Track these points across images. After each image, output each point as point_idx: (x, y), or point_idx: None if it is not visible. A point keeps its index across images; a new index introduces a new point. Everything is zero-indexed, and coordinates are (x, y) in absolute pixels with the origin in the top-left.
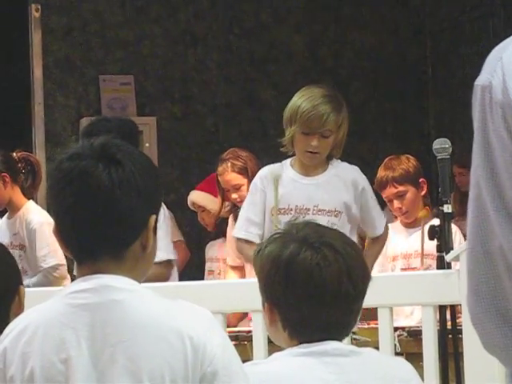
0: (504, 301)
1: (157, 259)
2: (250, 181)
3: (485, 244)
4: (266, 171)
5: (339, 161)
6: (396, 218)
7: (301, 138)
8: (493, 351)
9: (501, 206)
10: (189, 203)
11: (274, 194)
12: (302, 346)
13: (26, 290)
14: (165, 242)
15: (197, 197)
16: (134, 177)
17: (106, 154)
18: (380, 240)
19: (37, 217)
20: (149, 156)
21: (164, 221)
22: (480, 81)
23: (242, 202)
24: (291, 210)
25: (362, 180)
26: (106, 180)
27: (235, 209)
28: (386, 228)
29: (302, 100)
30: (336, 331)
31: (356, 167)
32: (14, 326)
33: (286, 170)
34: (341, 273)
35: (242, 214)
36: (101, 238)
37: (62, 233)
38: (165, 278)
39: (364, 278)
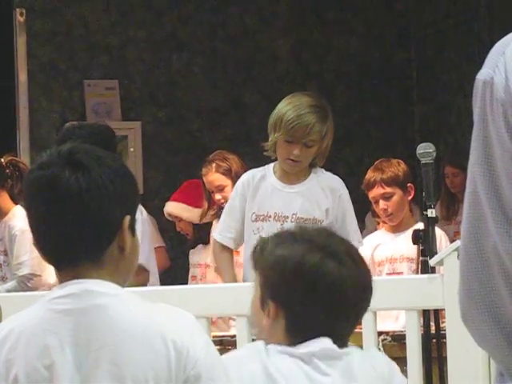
0: (496, 299)
1: None
2: (233, 182)
3: (479, 242)
4: (247, 176)
5: (323, 170)
6: (379, 224)
7: (283, 145)
8: (485, 348)
9: (497, 205)
10: (165, 214)
11: None
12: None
13: (6, 295)
14: (143, 251)
15: (172, 208)
16: (102, 180)
17: (72, 159)
18: None
19: (20, 223)
20: (121, 159)
21: (142, 226)
22: (481, 75)
23: (225, 203)
24: (270, 216)
25: (342, 189)
26: (73, 185)
27: (220, 212)
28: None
29: (288, 108)
30: (337, 341)
31: (339, 178)
32: None
33: (268, 175)
34: (358, 287)
35: (222, 216)
36: (76, 243)
37: (38, 242)
38: (141, 284)
39: (370, 292)
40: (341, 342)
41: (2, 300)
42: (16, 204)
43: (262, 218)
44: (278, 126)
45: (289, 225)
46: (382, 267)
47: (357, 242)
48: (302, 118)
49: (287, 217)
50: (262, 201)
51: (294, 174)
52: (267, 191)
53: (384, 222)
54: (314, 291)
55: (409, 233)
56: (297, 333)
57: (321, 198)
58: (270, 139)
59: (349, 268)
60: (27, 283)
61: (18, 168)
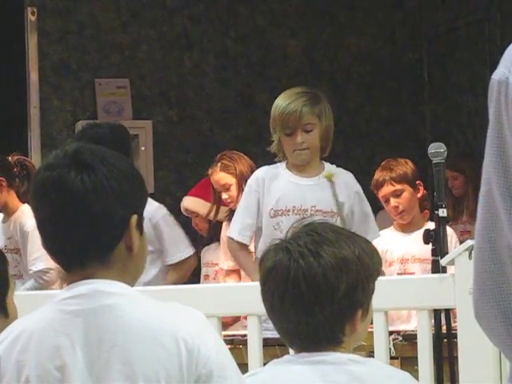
0: (509, 298)
1: (181, 258)
2: (238, 180)
3: (493, 242)
4: (260, 172)
5: (334, 166)
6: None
7: (286, 140)
8: (497, 345)
9: (511, 206)
10: (182, 209)
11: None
12: (301, 355)
13: (19, 294)
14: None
15: (189, 203)
16: (107, 180)
17: (78, 160)
18: None
19: (30, 220)
20: (127, 158)
21: (173, 221)
22: (497, 75)
23: (232, 202)
24: (289, 210)
25: (356, 184)
26: (78, 186)
27: (231, 213)
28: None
29: (277, 102)
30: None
31: (350, 173)
32: (7, 335)
33: (282, 171)
34: (297, 278)
35: (237, 214)
36: (83, 243)
37: (46, 243)
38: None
39: (323, 286)
40: (311, 341)
41: (17, 299)
42: (23, 203)
43: (280, 212)
44: (274, 124)
45: (308, 217)
46: (393, 267)
47: (376, 232)
48: (289, 105)
49: (306, 209)
50: (279, 196)
51: (307, 168)
52: (283, 186)
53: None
54: (264, 285)
55: (420, 233)
56: (282, 337)
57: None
58: (274, 141)
59: (306, 262)
60: (43, 277)
61: (26, 167)
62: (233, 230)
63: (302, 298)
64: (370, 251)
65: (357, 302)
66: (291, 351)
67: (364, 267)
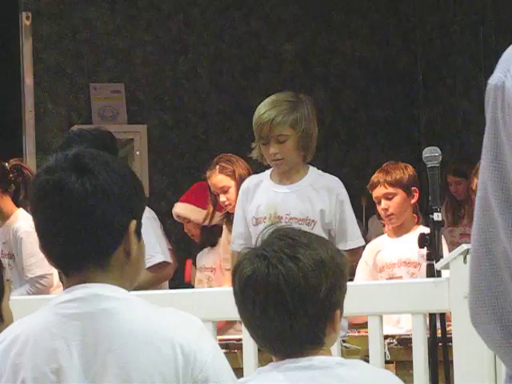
0: (504, 303)
1: (155, 262)
2: (237, 184)
3: (488, 246)
4: (246, 182)
5: (321, 171)
6: (384, 226)
7: (263, 148)
8: (493, 350)
9: (507, 210)
10: (174, 215)
11: None
12: (287, 361)
13: (15, 298)
14: (160, 245)
15: (180, 209)
16: (107, 184)
17: (79, 164)
18: (350, 255)
19: (24, 225)
20: (127, 164)
21: (156, 228)
22: (493, 79)
23: (230, 204)
24: (265, 218)
25: (339, 189)
26: (79, 190)
27: (228, 215)
28: (360, 248)
29: (257, 110)
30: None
31: (337, 178)
32: (4, 337)
33: (264, 179)
34: (277, 285)
35: (233, 226)
36: (82, 247)
37: (45, 246)
38: (165, 278)
39: (301, 294)
40: (294, 344)
41: (13, 303)
42: (18, 207)
43: (259, 220)
44: (254, 133)
45: (275, 224)
46: (382, 273)
47: (355, 239)
48: (264, 115)
49: (281, 217)
50: (259, 204)
51: (288, 175)
52: (263, 194)
53: (385, 224)
54: (242, 294)
55: (408, 236)
56: (262, 345)
57: (314, 198)
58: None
59: (285, 267)
60: (41, 281)
61: (22, 173)
62: (231, 244)
63: (285, 303)
64: (337, 251)
65: (336, 301)
66: (274, 358)
67: (338, 267)
